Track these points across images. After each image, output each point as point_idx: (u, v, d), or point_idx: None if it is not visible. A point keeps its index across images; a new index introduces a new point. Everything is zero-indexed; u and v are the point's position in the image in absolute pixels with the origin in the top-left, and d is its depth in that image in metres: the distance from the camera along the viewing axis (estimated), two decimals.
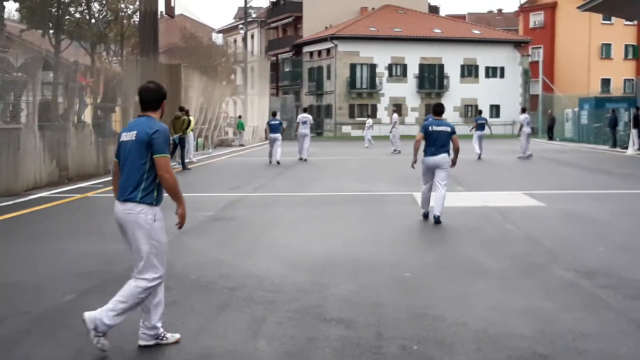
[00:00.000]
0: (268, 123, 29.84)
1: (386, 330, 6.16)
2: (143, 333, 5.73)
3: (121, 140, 5.75)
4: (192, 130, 27.55)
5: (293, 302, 7.04)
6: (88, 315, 5.53)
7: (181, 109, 24.59)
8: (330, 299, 7.21)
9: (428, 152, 12.35)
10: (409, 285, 7.83)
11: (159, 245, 5.67)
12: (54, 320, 6.57)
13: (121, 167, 5.71)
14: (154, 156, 5.55)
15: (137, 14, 27.65)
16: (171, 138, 24.41)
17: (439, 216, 12.10)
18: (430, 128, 12.42)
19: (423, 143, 12.46)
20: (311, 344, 5.82)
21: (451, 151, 12.49)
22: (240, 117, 48.07)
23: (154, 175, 5.60)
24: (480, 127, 29.90)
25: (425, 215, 12.61)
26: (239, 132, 45.81)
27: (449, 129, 12.48)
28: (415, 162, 13.00)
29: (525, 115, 31.10)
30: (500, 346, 5.74)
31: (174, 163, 25.92)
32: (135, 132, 5.62)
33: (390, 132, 36.23)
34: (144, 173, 5.59)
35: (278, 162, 27.10)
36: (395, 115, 36.27)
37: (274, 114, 31.14)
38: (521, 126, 30.02)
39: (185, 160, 26.58)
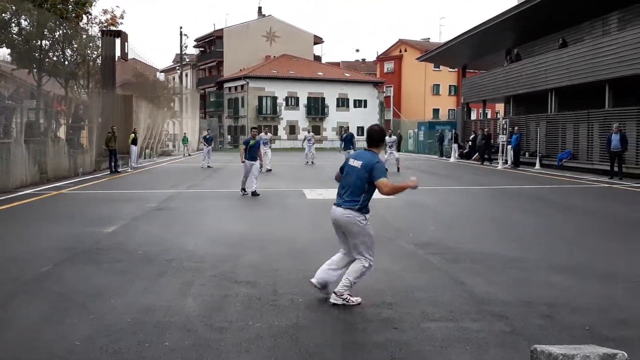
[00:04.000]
0: (204, 137, 29.50)
1: (281, 288, 6.14)
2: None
3: (349, 163, 5.67)
4: (132, 142, 26.46)
5: (213, 269, 6.93)
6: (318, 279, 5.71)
7: (111, 127, 23.74)
8: (241, 266, 7.14)
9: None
10: (299, 255, 7.82)
11: (369, 239, 5.64)
12: (36, 285, 6.27)
13: (345, 181, 5.67)
14: (375, 181, 5.44)
15: (100, 58, 26.85)
16: (103, 149, 23.84)
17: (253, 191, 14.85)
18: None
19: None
20: (225, 299, 5.75)
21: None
22: (185, 133, 47.16)
23: (369, 194, 5.55)
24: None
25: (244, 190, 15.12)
26: (185, 146, 44.51)
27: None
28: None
29: (393, 137, 25.77)
30: (361, 296, 5.79)
31: (126, 168, 25.22)
32: (361, 162, 5.53)
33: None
34: (362, 192, 5.52)
35: (209, 166, 26.89)
36: (262, 134, 27.30)
37: (207, 131, 31.23)
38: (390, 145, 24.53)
39: (125, 167, 25.65)
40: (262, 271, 6.90)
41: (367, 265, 5.63)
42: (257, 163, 15.07)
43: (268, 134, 26.20)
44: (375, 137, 5.68)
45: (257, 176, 15.24)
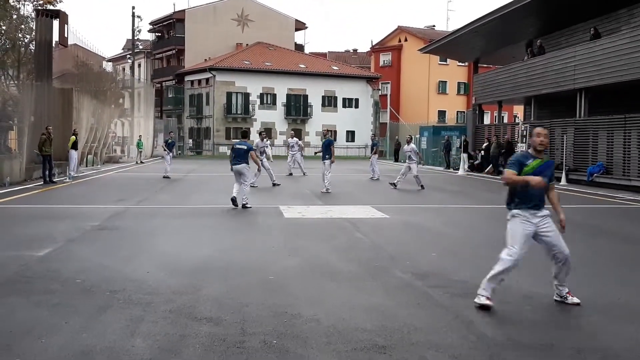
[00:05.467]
0: (165, 142, 29.55)
1: (250, 327, 6.13)
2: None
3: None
4: (72, 146, 26.63)
5: (168, 303, 6.91)
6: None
7: (47, 128, 23.67)
8: (202, 300, 7.12)
9: (233, 162, 16.22)
10: (272, 287, 7.81)
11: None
12: None
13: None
14: None
15: (33, 43, 26.76)
16: (36, 154, 23.61)
17: (245, 203, 15.94)
18: (235, 146, 16.45)
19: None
20: (183, 340, 5.73)
21: (251, 162, 16.38)
22: (140, 136, 46.96)
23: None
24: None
25: (233, 201, 15.97)
26: (139, 151, 44.51)
27: (246, 147, 16.38)
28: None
29: (412, 146, 24.28)
30: (347, 339, 5.81)
31: (64, 177, 25.07)
32: None
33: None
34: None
35: (166, 177, 26.90)
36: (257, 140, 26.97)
37: (170, 134, 31.43)
38: (409, 156, 23.97)
39: (62, 176, 25.80)
40: (228, 306, 6.88)
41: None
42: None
43: (265, 139, 26.07)
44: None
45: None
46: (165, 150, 29.02)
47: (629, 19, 27.25)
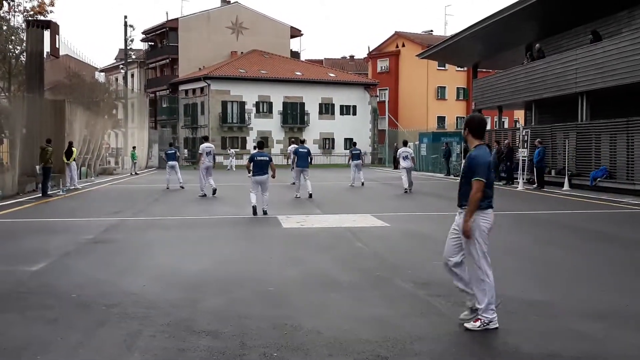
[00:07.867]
0: (165, 152, 29.46)
1: (250, 340, 6.13)
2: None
3: None
4: (74, 159, 27.21)
5: (166, 317, 6.91)
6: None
7: (48, 140, 23.79)
8: (200, 313, 7.13)
9: (255, 173, 17.07)
10: (272, 299, 7.81)
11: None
12: None
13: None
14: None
15: (24, 54, 26.85)
16: (38, 168, 23.68)
17: (265, 210, 17.09)
18: (255, 158, 17.17)
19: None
20: (182, 354, 5.73)
21: (270, 171, 17.29)
22: (134, 148, 47.03)
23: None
24: (356, 157, 29.35)
25: (255, 210, 16.93)
26: (133, 162, 44.59)
27: (267, 158, 17.39)
28: (249, 174, 17.61)
29: (404, 149, 25.74)
30: (349, 351, 5.80)
31: (58, 190, 25.08)
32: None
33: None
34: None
35: (182, 187, 26.83)
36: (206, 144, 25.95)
37: (170, 144, 31.47)
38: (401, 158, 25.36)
39: (71, 187, 26.11)
40: (227, 319, 6.88)
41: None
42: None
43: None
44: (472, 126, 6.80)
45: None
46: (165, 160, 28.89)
47: (629, 21, 27.34)
